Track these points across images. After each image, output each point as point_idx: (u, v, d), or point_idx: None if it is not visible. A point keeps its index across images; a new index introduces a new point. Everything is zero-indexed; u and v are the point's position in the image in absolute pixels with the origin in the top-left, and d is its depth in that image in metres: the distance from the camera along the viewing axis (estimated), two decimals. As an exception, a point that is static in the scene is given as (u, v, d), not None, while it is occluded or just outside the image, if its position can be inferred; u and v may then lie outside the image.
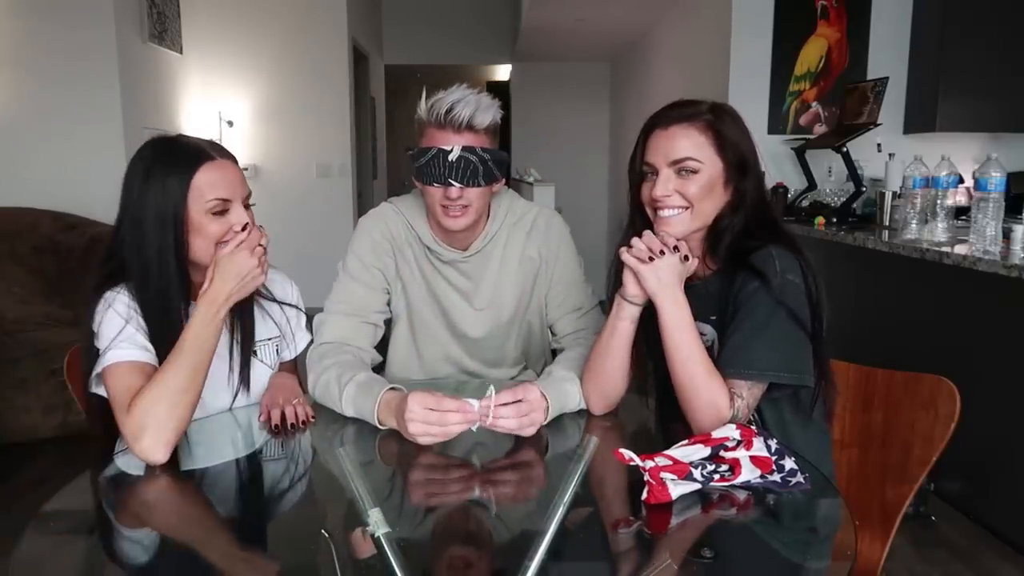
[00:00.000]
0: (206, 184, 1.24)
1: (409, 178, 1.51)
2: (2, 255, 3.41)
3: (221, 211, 1.25)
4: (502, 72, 9.59)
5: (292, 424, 1.32)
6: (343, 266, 1.57)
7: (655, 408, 1.43)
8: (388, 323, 1.62)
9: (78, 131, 3.96)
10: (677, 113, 1.24)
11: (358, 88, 6.30)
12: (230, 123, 5.41)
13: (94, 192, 3.94)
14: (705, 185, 1.23)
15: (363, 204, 6.23)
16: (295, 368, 1.53)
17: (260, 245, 1.26)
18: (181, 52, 4.92)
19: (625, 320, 1.27)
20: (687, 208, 1.24)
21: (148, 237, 1.23)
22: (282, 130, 5.58)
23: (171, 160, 1.25)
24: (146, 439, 1.13)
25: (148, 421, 1.13)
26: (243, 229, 1.25)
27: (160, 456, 1.14)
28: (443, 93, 1.42)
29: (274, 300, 1.48)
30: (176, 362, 1.18)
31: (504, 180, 1.52)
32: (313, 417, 1.35)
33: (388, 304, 1.59)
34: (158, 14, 4.50)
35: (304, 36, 5.56)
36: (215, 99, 5.38)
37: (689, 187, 1.22)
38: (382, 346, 1.61)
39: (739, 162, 1.24)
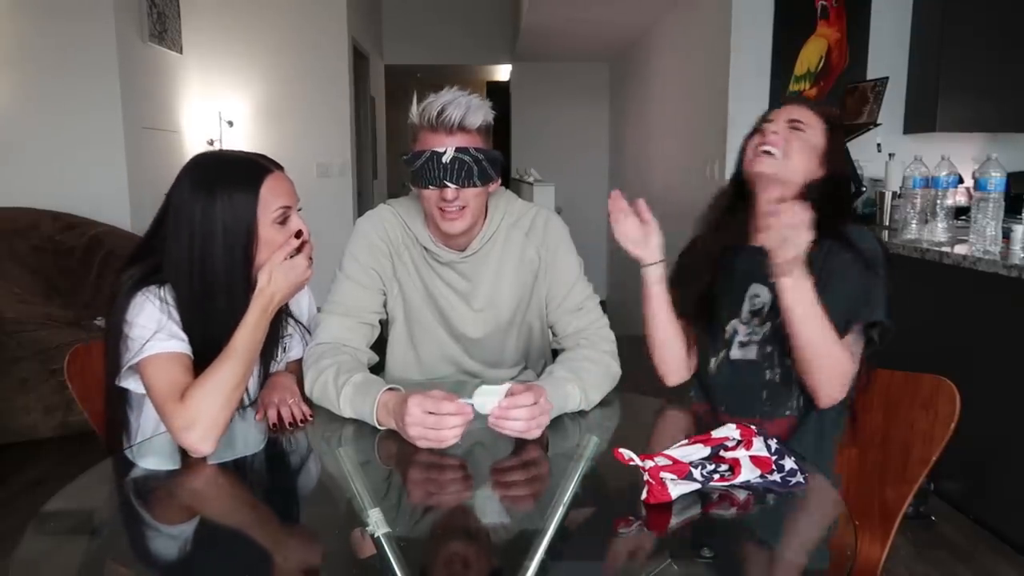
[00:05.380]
0: (271, 195, 1.29)
1: (409, 179, 1.51)
2: (2, 255, 3.40)
3: (284, 219, 1.30)
4: (502, 72, 9.59)
5: (290, 423, 1.32)
6: (340, 267, 1.58)
7: (697, 384, 1.53)
8: (384, 324, 1.62)
9: (78, 131, 3.96)
10: (806, 100, 1.47)
11: (358, 88, 6.30)
12: (230, 123, 5.41)
13: (94, 192, 3.94)
14: (806, 144, 1.40)
15: (363, 204, 6.22)
16: (298, 367, 1.54)
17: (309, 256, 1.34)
18: (181, 52, 4.92)
19: (653, 285, 1.43)
20: (782, 158, 1.39)
21: (217, 252, 1.26)
22: (282, 130, 5.57)
23: (235, 176, 1.28)
24: (197, 431, 1.17)
25: (201, 415, 1.17)
26: (298, 235, 1.31)
27: (208, 448, 1.18)
28: (433, 96, 1.42)
29: (290, 314, 1.51)
30: (231, 361, 1.23)
31: (499, 180, 1.52)
32: (312, 416, 1.36)
33: (384, 305, 1.60)
34: (158, 14, 4.50)
35: (304, 36, 5.56)
36: (215, 99, 5.38)
37: (794, 139, 1.40)
38: (381, 347, 1.61)
39: (835, 152, 1.44)
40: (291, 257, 1.30)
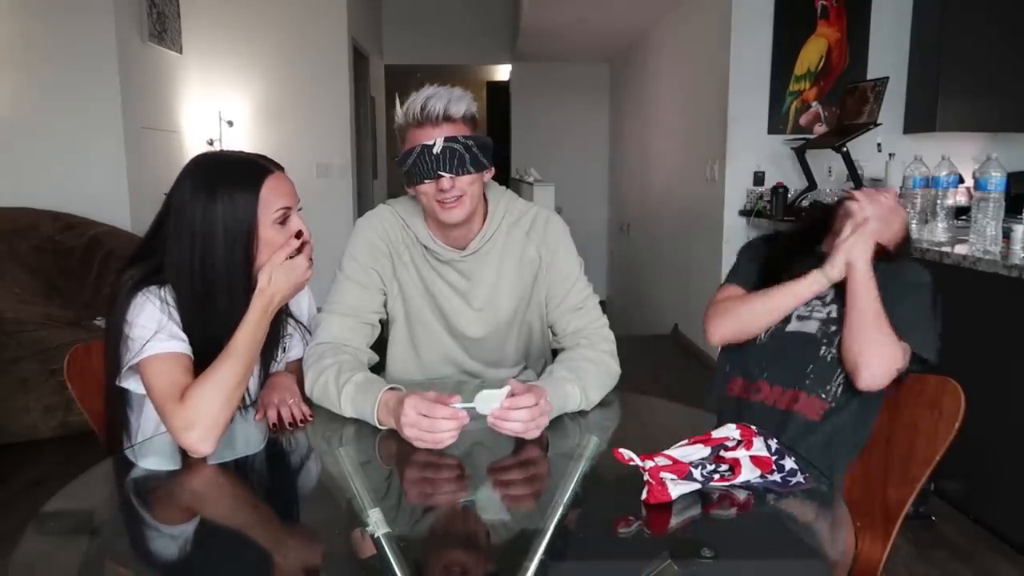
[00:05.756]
0: (272, 196, 1.29)
1: (404, 181, 1.51)
2: (2, 255, 3.40)
3: (284, 220, 1.31)
4: (502, 72, 9.59)
5: (290, 423, 1.32)
6: (340, 267, 1.58)
7: (728, 354, 1.61)
8: (384, 324, 1.62)
9: (78, 131, 3.96)
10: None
11: (358, 88, 6.30)
12: (230, 123, 5.41)
13: (94, 192, 3.94)
14: (904, 215, 1.62)
15: (363, 204, 6.22)
16: (298, 367, 1.54)
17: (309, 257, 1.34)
18: (181, 52, 4.92)
19: (810, 294, 1.51)
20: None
21: (217, 252, 1.27)
22: (282, 130, 5.57)
23: (235, 177, 1.28)
24: (197, 432, 1.17)
25: (201, 415, 1.18)
26: (298, 236, 1.32)
27: (208, 448, 1.18)
28: (415, 94, 1.44)
29: (290, 314, 1.52)
30: (231, 361, 1.24)
31: (493, 169, 1.52)
32: (312, 416, 1.36)
33: (384, 305, 1.60)
34: (158, 14, 4.50)
35: (304, 36, 5.56)
36: (215, 99, 5.38)
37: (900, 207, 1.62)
38: (381, 347, 1.61)
39: (907, 244, 1.64)
40: (291, 258, 1.31)
